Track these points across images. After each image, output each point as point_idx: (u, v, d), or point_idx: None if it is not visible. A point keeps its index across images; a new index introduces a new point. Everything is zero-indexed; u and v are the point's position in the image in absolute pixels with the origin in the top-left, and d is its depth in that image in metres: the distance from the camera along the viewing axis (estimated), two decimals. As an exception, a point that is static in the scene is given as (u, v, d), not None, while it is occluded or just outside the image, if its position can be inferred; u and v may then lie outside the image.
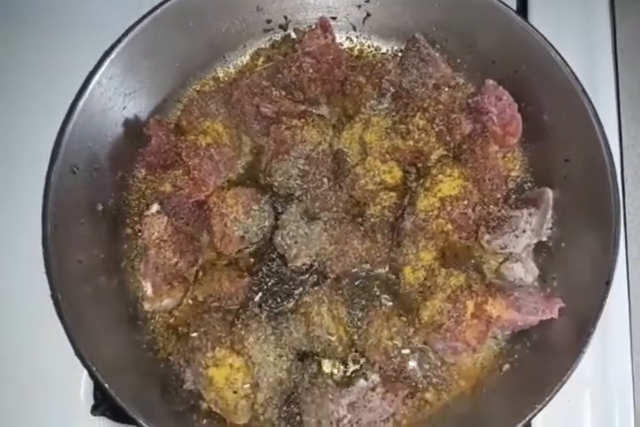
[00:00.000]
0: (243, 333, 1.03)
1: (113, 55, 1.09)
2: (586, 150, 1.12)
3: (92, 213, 1.11)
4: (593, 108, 1.11)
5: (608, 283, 1.02)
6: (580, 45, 1.32)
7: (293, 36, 1.29)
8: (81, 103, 1.07)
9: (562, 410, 1.13)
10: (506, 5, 1.16)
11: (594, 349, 1.11)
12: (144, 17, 1.12)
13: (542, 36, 1.14)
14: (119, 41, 1.10)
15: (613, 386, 1.17)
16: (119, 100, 1.14)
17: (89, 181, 1.09)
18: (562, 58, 1.13)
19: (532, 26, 1.16)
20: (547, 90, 1.17)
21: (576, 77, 1.12)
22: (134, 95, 1.16)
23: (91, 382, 1.13)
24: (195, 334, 1.04)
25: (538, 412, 0.99)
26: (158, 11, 1.12)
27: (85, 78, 1.08)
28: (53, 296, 1.00)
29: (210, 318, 1.06)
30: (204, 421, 1.05)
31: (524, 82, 1.19)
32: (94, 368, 0.96)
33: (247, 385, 1.00)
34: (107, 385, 0.96)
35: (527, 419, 0.99)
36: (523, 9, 1.35)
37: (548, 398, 0.99)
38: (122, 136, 1.15)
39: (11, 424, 1.17)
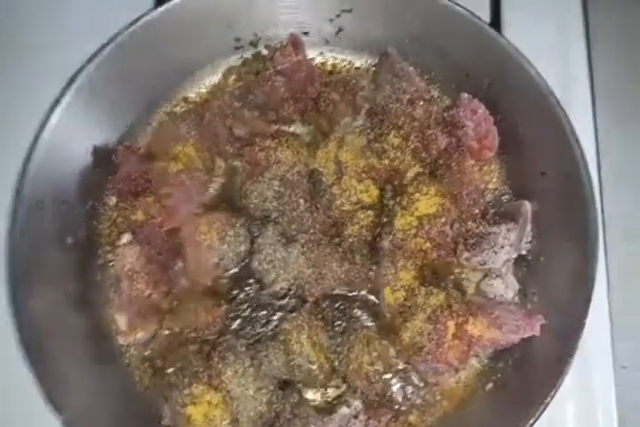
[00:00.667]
0: (220, 366, 1.00)
1: (77, 83, 1.07)
2: (562, 164, 1.11)
3: (62, 247, 1.08)
4: (568, 120, 1.10)
5: (588, 301, 1.01)
6: (555, 58, 1.31)
7: (264, 52, 1.26)
8: (44, 136, 1.04)
9: (545, 423, 1.13)
10: (478, 18, 1.15)
11: (576, 366, 1.10)
12: (109, 41, 1.09)
13: (515, 48, 1.13)
14: (83, 67, 1.07)
15: (596, 397, 1.16)
16: (85, 128, 1.11)
17: (57, 214, 1.06)
18: (536, 70, 1.12)
19: (506, 38, 1.15)
20: (522, 103, 1.16)
21: (551, 90, 1.11)
22: (101, 123, 1.13)
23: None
24: (171, 370, 1.02)
25: (522, 434, 0.98)
26: (124, 33, 1.10)
27: (48, 109, 1.05)
28: (23, 344, 0.96)
29: (186, 351, 1.04)
30: (185, 459, 1.03)
31: (499, 95, 1.18)
32: (65, 417, 0.93)
33: (226, 421, 0.98)
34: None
35: (511, 441, 0.98)
36: (496, 21, 1.33)
37: (532, 420, 0.98)
38: (90, 165, 1.12)
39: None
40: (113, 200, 1.17)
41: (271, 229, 1.15)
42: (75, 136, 1.09)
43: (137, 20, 1.12)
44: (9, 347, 1.00)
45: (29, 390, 0.96)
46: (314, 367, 1.05)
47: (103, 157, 1.14)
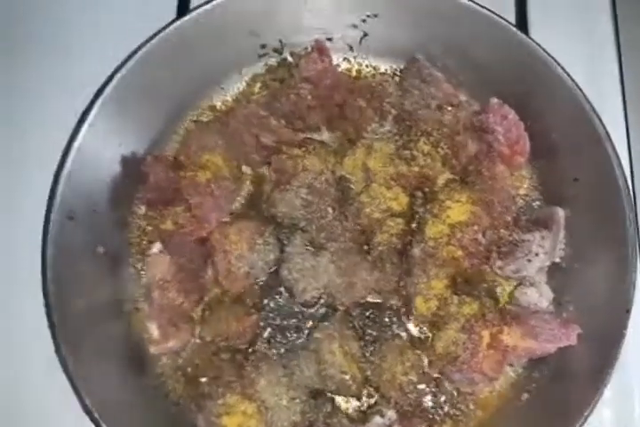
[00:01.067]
0: (253, 376, 1.00)
1: (105, 94, 1.06)
2: (596, 169, 1.09)
3: (93, 257, 1.08)
4: (602, 124, 1.08)
5: (628, 311, 0.99)
6: (584, 60, 1.29)
7: (290, 59, 1.25)
8: (75, 146, 1.03)
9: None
10: (505, 20, 1.13)
11: (616, 376, 1.07)
12: (134, 53, 1.08)
13: (544, 50, 1.11)
14: (111, 78, 1.07)
15: (636, 408, 1.14)
16: (114, 138, 1.10)
17: (88, 224, 1.06)
18: (566, 72, 1.10)
19: (533, 40, 1.13)
20: (553, 106, 1.14)
21: (582, 92, 1.10)
22: (129, 132, 1.12)
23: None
24: (204, 380, 1.02)
25: (560, 446, 0.96)
26: (150, 43, 1.08)
27: (78, 119, 1.05)
28: (57, 350, 0.97)
29: (219, 360, 1.03)
30: (221, 469, 1.02)
31: (529, 99, 1.16)
32: (104, 425, 0.94)
33: (261, 432, 0.98)
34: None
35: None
36: (522, 23, 1.31)
37: (570, 431, 0.96)
38: (119, 175, 1.11)
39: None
40: (142, 209, 1.17)
41: (299, 237, 1.14)
42: (104, 146, 1.09)
43: (161, 30, 1.11)
44: (46, 356, 1.01)
45: (67, 398, 0.97)
46: (346, 377, 1.03)
47: (132, 167, 1.14)
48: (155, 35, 1.10)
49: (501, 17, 1.13)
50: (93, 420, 0.94)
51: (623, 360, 1.09)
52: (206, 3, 1.12)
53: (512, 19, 1.31)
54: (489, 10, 1.13)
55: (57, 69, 1.26)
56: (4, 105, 1.25)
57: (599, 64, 1.30)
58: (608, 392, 1.08)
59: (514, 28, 1.13)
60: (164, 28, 1.11)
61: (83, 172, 1.05)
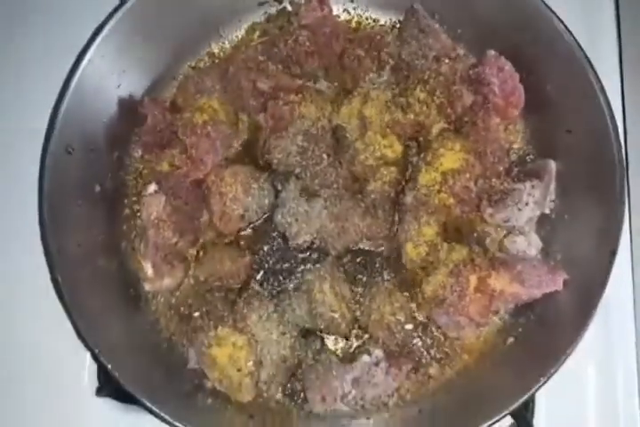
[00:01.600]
0: (245, 311, 1.03)
1: (104, 33, 1.06)
2: (589, 121, 1.09)
3: (90, 195, 1.10)
4: (597, 77, 1.08)
5: (613, 253, 1.01)
6: (582, 12, 1.29)
7: (289, 8, 1.25)
8: (73, 83, 1.04)
9: (565, 383, 1.12)
10: None
11: (597, 321, 1.10)
12: (134, -7, 1.09)
13: (544, 2, 1.11)
14: (110, 18, 1.07)
15: (617, 359, 1.17)
16: (112, 78, 1.11)
17: (85, 162, 1.07)
18: (565, 25, 1.10)
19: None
20: (549, 59, 1.14)
21: (580, 46, 1.10)
22: (128, 73, 1.13)
23: (94, 365, 1.13)
24: (197, 314, 1.05)
25: (543, 384, 0.99)
26: (149, -15, 1.09)
27: (76, 57, 1.06)
28: (53, 278, 0.99)
29: (211, 297, 1.06)
30: (209, 400, 1.05)
31: (526, 51, 1.16)
32: (96, 350, 0.96)
33: (250, 363, 1.01)
34: (109, 367, 0.96)
35: (532, 392, 0.99)
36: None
37: (552, 371, 0.98)
38: (117, 116, 1.13)
39: (16, 407, 1.17)
40: (139, 153, 1.18)
41: (293, 183, 1.16)
42: (102, 85, 1.10)
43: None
44: (44, 288, 1.03)
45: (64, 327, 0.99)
46: (336, 316, 1.06)
47: (129, 109, 1.15)
48: (156, -24, 1.11)
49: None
50: (88, 347, 0.96)
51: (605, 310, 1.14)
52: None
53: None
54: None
55: (57, 10, 1.27)
56: (4, 40, 1.26)
57: (597, 18, 1.30)
58: (590, 339, 1.12)
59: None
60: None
61: (81, 108, 1.07)
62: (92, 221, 1.10)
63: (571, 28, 1.10)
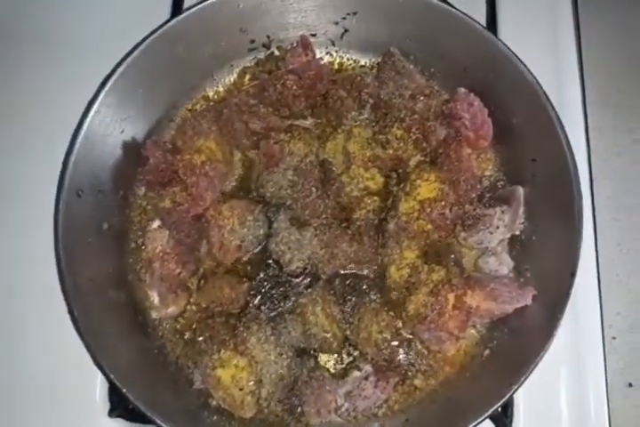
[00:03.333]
0: (245, 335, 1.12)
1: (108, 85, 1.17)
2: (550, 151, 1.19)
3: (99, 232, 1.19)
4: (555, 112, 1.18)
5: (573, 275, 1.11)
6: (547, 55, 1.41)
7: (277, 53, 1.37)
8: (82, 132, 1.15)
9: (541, 388, 1.23)
10: (474, 20, 1.23)
11: (567, 330, 1.22)
12: (135, 47, 1.19)
13: (508, 48, 1.21)
14: (113, 71, 1.18)
15: (586, 364, 1.27)
16: (117, 125, 1.22)
17: (94, 202, 1.17)
18: (526, 67, 1.20)
19: (499, 39, 1.24)
20: (514, 96, 1.25)
21: (539, 85, 1.20)
22: (130, 119, 1.24)
23: (106, 386, 1.22)
24: (201, 339, 1.14)
25: (515, 391, 1.08)
26: (148, 40, 1.19)
27: (84, 109, 1.16)
28: (70, 312, 1.09)
29: (213, 322, 1.16)
30: (215, 417, 1.14)
31: (493, 88, 1.27)
32: (112, 376, 1.05)
33: (252, 382, 1.10)
34: (124, 390, 1.05)
35: (506, 398, 1.08)
36: (492, 22, 1.43)
37: (523, 379, 1.08)
38: (121, 158, 1.23)
39: (29, 425, 1.26)
40: (142, 190, 1.29)
41: (283, 214, 1.26)
42: (108, 132, 1.20)
43: (158, 28, 1.21)
44: (61, 317, 1.13)
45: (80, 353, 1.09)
46: (328, 336, 1.16)
47: (133, 151, 1.25)
48: (152, 32, 1.21)
49: (471, 17, 1.23)
50: (103, 372, 1.06)
51: (574, 321, 1.25)
52: (198, 3, 1.22)
53: (482, 18, 1.43)
54: (460, 11, 1.24)
55: (65, 66, 1.39)
56: (19, 98, 1.38)
57: (560, 60, 1.41)
58: (561, 349, 1.23)
59: (481, 28, 1.24)
60: (161, 26, 1.22)
61: (89, 155, 1.17)
62: (102, 257, 1.19)
63: (534, 69, 1.20)
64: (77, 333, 1.09)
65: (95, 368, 1.08)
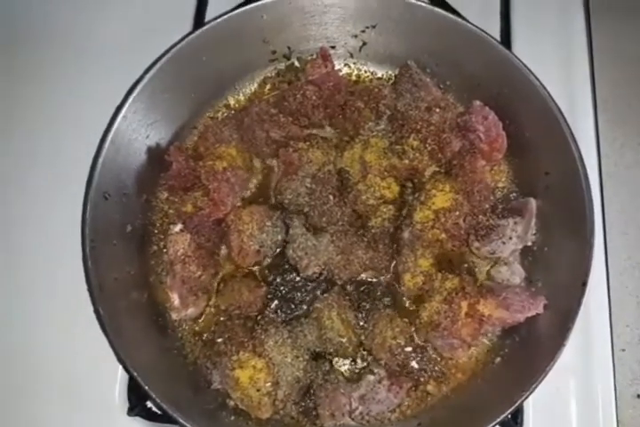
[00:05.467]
0: (263, 337, 1.15)
1: (136, 92, 1.21)
2: (563, 164, 1.22)
3: (123, 234, 1.23)
4: (568, 126, 1.22)
5: (584, 284, 1.13)
6: (559, 70, 1.45)
7: (297, 64, 1.41)
8: (109, 137, 1.19)
9: (550, 396, 1.26)
10: (489, 35, 1.27)
11: (577, 340, 1.24)
12: (162, 55, 1.23)
13: (522, 62, 1.25)
14: (141, 78, 1.22)
15: (596, 374, 1.29)
16: (142, 130, 1.26)
17: (119, 205, 1.21)
18: (540, 82, 1.24)
19: (513, 53, 1.28)
20: (527, 110, 1.28)
21: (552, 98, 1.23)
22: (155, 125, 1.28)
23: (125, 385, 1.25)
24: (220, 340, 1.17)
25: (525, 398, 1.10)
26: (175, 49, 1.24)
27: (112, 114, 1.20)
28: (95, 310, 1.12)
29: (232, 324, 1.18)
30: (232, 417, 1.17)
31: (507, 102, 1.31)
32: (135, 373, 1.08)
33: (269, 384, 1.13)
34: (146, 387, 1.07)
35: (516, 405, 1.10)
36: (506, 37, 1.46)
37: (534, 386, 1.10)
38: (146, 163, 1.27)
39: (50, 425, 1.28)
40: (165, 194, 1.32)
41: (297, 220, 1.29)
42: (133, 137, 1.24)
43: (182, 39, 1.26)
44: (87, 316, 1.17)
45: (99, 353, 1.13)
46: (343, 340, 1.19)
47: (156, 156, 1.29)
48: (178, 42, 1.26)
49: (486, 32, 1.27)
50: (125, 368, 1.09)
51: (584, 332, 1.27)
52: (224, 14, 1.27)
53: (497, 33, 1.46)
54: (475, 25, 1.28)
55: (94, 73, 1.45)
56: (49, 102, 1.43)
57: (573, 74, 1.45)
58: (571, 359, 1.26)
59: (496, 42, 1.28)
60: (187, 35, 1.26)
61: (116, 159, 1.21)
62: (125, 258, 1.22)
63: (547, 83, 1.24)
64: (102, 330, 1.12)
65: (114, 368, 1.12)
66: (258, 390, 1.12)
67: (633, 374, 1.38)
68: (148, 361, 1.14)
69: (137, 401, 1.22)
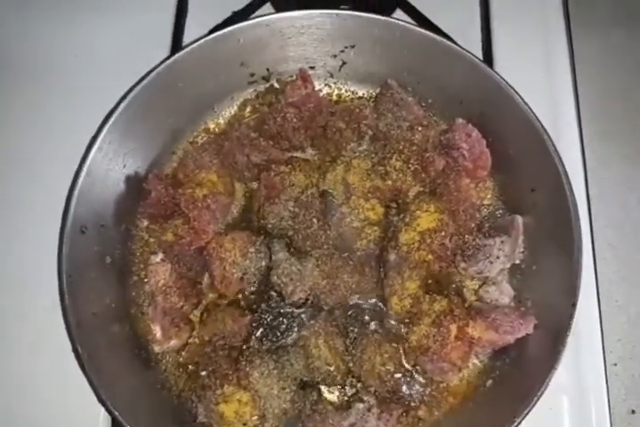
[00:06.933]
0: (247, 369, 1.12)
1: (110, 122, 1.18)
2: (548, 180, 1.21)
3: (102, 266, 1.20)
4: (552, 142, 1.20)
5: (574, 305, 1.12)
6: (542, 86, 1.43)
7: (276, 85, 1.39)
8: (85, 168, 1.16)
9: (544, 416, 1.23)
10: (471, 53, 1.26)
11: (569, 358, 1.22)
12: (137, 83, 1.21)
13: (504, 80, 1.24)
14: (115, 108, 1.19)
15: (589, 391, 1.26)
16: (119, 160, 1.23)
17: (97, 237, 1.18)
18: (522, 98, 1.22)
19: (495, 71, 1.26)
20: (511, 126, 1.27)
21: (536, 116, 1.22)
22: (132, 154, 1.25)
23: (109, 421, 1.21)
24: (204, 373, 1.14)
25: (519, 423, 1.08)
26: (149, 76, 1.21)
27: (87, 145, 1.18)
28: (74, 350, 1.09)
29: (216, 356, 1.15)
30: (218, 452, 1.14)
31: (490, 119, 1.29)
32: (115, 413, 1.05)
33: (255, 417, 1.10)
34: (129, 427, 1.05)
35: (509, 430, 1.09)
36: (488, 55, 1.46)
37: (526, 412, 1.08)
38: (124, 192, 1.24)
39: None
40: (144, 223, 1.29)
41: (277, 245, 1.27)
42: (110, 167, 1.22)
43: (160, 64, 1.23)
44: (63, 352, 1.14)
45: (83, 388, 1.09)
46: (331, 369, 1.16)
47: (135, 185, 1.27)
48: (154, 68, 1.23)
49: (467, 51, 1.26)
50: (107, 409, 1.06)
51: (576, 350, 1.26)
52: (199, 39, 1.25)
53: (479, 50, 1.46)
54: (455, 43, 1.27)
55: (67, 102, 1.40)
56: (20, 134, 1.39)
57: (555, 90, 1.44)
58: (564, 377, 1.24)
59: (478, 61, 1.26)
60: (163, 62, 1.24)
61: (92, 191, 1.18)
62: (105, 291, 1.20)
63: (530, 101, 1.22)
64: (81, 369, 1.09)
65: (96, 406, 1.08)
66: (244, 424, 1.10)
67: (626, 390, 1.37)
68: (131, 398, 1.11)
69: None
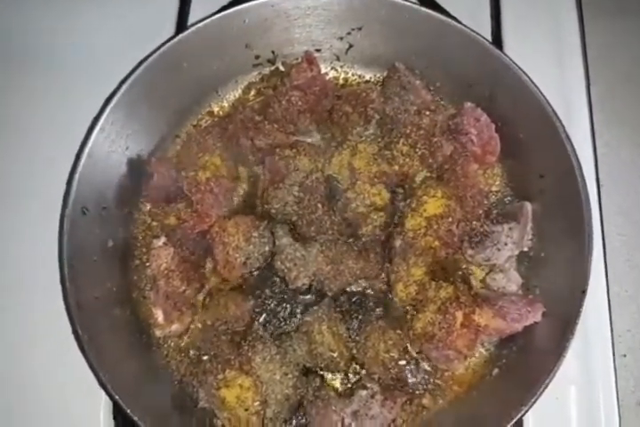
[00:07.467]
0: (250, 354, 1.11)
1: (113, 102, 1.17)
2: (559, 166, 1.19)
3: (104, 250, 1.19)
4: (563, 127, 1.18)
5: (584, 292, 1.10)
6: (552, 70, 1.40)
7: (282, 68, 1.37)
8: (86, 150, 1.14)
9: (550, 406, 1.21)
10: (480, 35, 1.23)
11: (577, 348, 1.20)
12: (140, 63, 1.19)
13: (514, 62, 1.21)
14: (118, 88, 1.18)
15: (597, 382, 1.24)
16: (121, 142, 1.21)
17: (99, 219, 1.17)
18: (533, 82, 1.20)
19: (505, 53, 1.24)
20: (520, 111, 1.24)
21: (546, 99, 1.20)
22: (135, 136, 1.24)
23: (110, 405, 1.20)
24: (205, 358, 1.13)
25: (525, 413, 1.07)
26: (153, 56, 1.20)
27: (89, 126, 1.16)
28: (74, 332, 1.08)
29: (218, 341, 1.14)
30: (220, 437, 1.13)
31: (499, 103, 1.27)
32: (116, 396, 1.04)
33: (257, 403, 1.09)
34: (128, 410, 1.04)
35: (515, 419, 1.07)
36: (497, 37, 1.43)
37: (533, 401, 1.06)
38: (126, 175, 1.23)
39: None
40: (147, 206, 1.28)
41: (281, 230, 1.24)
42: (112, 149, 1.20)
43: (163, 44, 1.22)
44: (65, 337, 1.12)
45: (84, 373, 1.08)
46: (335, 355, 1.15)
47: (138, 168, 1.25)
48: (157, 49, 1.22)
49: (477, 32, 1.23)
50: (108, 393, 1.05)
51: (585, 339, 1.23)
52: (203, 19, 1.23)
53: (488, 32, 1.42)
54: (464, 25, 1.24)
55: (70, 82, 1.39)
56: (23, 115, 1.37)
57: (566, 72, 1.41)
58: (572, 367, 1.21)
59: (487, 43, 1.24)
60: (166, 42, 1.22)
61: (94, 172, 1.16)
62: (107, 274, 1.18)
63: (540, 84, 1.20)
64: (81, 352, 1.07)
65: (98, 390, 1.07)
66: (245, 410, 1.08)
67: (635, 381, 1.35)
68: (131, 381, 1.10)
69: (123, 422, 1.17)
